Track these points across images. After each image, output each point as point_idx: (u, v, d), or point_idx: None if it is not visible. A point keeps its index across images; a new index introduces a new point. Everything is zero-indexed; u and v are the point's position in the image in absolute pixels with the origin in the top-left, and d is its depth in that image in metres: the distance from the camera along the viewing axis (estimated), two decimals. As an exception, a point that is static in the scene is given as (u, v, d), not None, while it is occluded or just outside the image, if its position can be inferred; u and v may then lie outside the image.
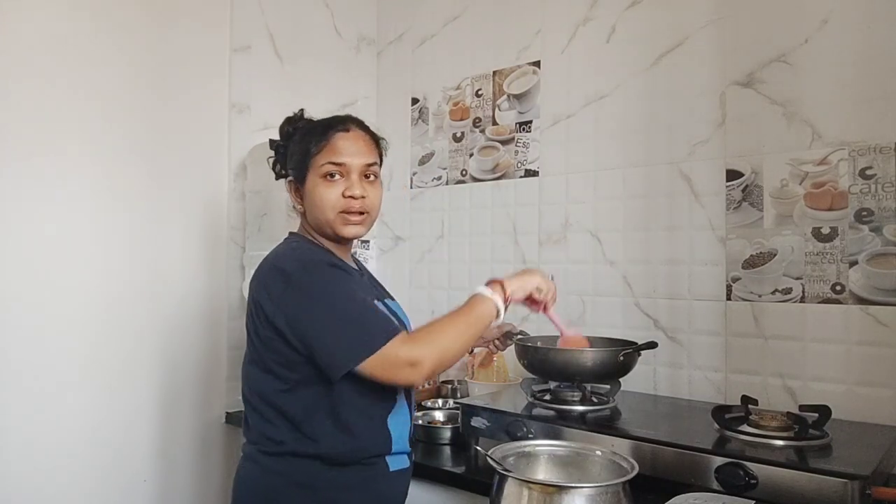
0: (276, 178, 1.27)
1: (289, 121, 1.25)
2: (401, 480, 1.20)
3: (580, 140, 1.90)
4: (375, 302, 1.16)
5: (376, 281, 1.36)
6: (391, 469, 1.17)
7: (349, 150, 1.17)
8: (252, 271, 1.19)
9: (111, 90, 1.66)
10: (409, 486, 1.24)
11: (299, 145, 1.20)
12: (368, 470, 1.14)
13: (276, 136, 1.27)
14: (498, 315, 1.15)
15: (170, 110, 1.79)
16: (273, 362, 1.12)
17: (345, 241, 1.23)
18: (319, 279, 1.10)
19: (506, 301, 1.16)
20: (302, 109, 1.25)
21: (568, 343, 1.45)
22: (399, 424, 1.19)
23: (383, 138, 1.27)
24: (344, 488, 1.12)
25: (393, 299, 1.31)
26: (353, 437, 1.12)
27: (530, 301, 1.26)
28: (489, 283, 1.18)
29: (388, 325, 1.09)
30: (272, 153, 1.27)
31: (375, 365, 1.05)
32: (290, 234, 1.27)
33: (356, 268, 1.28)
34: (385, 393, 1.15)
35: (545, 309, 1.30)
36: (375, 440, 1.15)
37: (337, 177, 1.16)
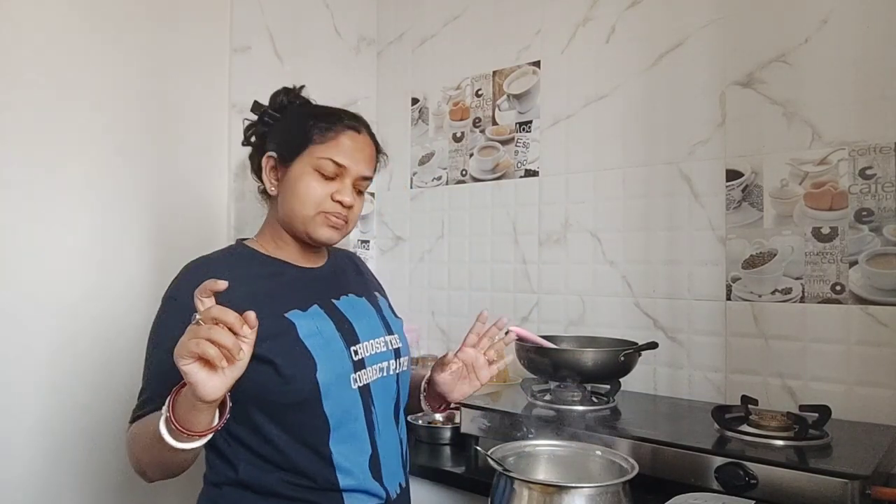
0: (244, 145, 1.17)
1: (287, 92, 1.13)
2: None
3: (580, 140, 1.90)
4: (289, 313, 1.01)
5: (360, 277, 1.21)
6: None
7: (355, 155, 1.06)
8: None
9: (110, 90, 1.66)
10: None
11: (297, 124, 1.08)
12: None
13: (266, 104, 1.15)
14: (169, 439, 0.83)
15: (170, 110, 1.79)
16: None
17: (314, 245, 1.10)
18: (159, 314, 1.05)
19: (179, 429, 0.81)
20: (303, 86, 1.16)
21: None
22: (351, 454, 1.01)
23: (385, 154, 1.17)
24: None
25: (360, 295, 1.14)
26: (278, 465, 0.98)
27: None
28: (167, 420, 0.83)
29: (143, 406, 0.97)
30: (249, 117, 1.16)
31: None
32: (237, 240, 1.16)
33: (307, 266, 1.12)
34: (306, 415, 0.98)
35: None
36: (314, 470, 0.98)
37: (333, 177, 1.05)
